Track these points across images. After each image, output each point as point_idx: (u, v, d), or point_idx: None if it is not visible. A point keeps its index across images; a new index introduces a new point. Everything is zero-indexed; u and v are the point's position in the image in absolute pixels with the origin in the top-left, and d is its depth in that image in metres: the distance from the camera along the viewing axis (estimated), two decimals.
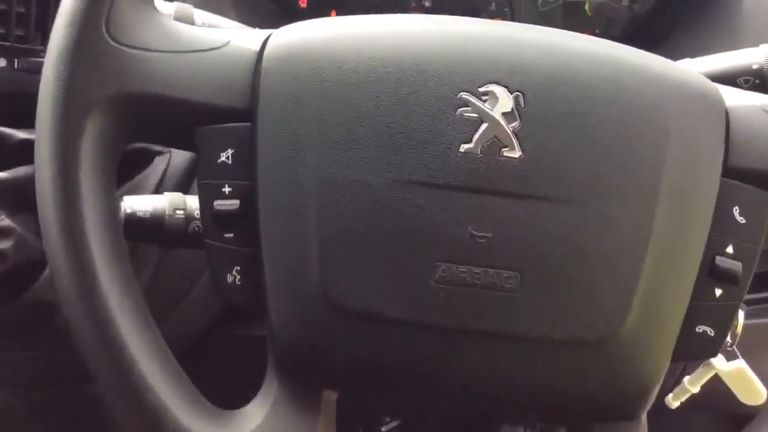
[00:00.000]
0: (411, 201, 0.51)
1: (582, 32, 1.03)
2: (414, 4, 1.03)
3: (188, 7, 0.67)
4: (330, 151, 0.51)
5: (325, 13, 1.04)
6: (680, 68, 0.57)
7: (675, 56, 0.94)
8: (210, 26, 0.68)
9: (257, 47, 0.55)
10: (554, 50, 0.53)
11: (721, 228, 0.53)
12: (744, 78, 0.67)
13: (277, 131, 0.52)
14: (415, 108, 0.51)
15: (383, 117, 0.51)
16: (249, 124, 0.53)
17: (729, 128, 0.54)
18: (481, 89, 0.51)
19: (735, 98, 0.56)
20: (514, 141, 0.51)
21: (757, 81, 0.67)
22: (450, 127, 0.51)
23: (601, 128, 0.51)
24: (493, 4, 1.03)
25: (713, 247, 0.53)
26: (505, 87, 0.51)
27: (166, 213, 0.61)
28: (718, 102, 0.55)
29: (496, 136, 0.51)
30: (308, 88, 0.52)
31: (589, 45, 0.55)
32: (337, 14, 1.03)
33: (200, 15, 0.68)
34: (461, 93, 0.51)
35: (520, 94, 0.51)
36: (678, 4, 0.99)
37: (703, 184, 0.53)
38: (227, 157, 0.53)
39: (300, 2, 1.03)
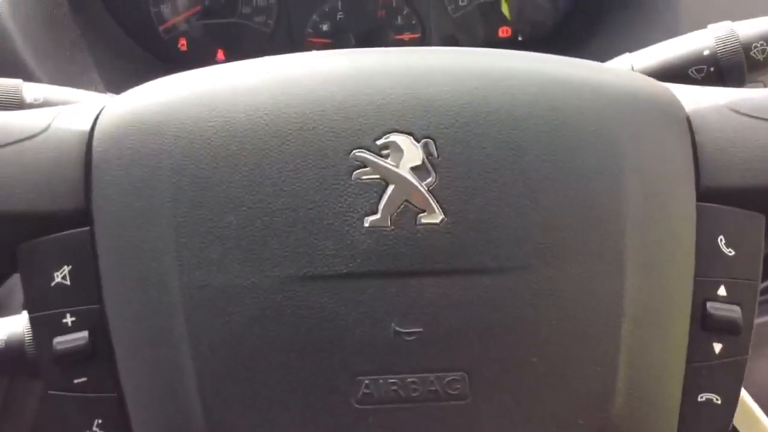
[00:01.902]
0: (311, 301, 0.38)
1: (501, 36, 0.96)
2: (311, 31, 0.91)
3: (13, 83, 0.53)
4: (194, 251, 0.38)
5: (210, 56, 0.91)
6: (623, 74, 0.46)
7: (610, 53, 0.85)
8: (45, 102, 0.55)
9: (87, 126, 0.42)
10: (465, 76, 0.42)
11: (707, 266, 0.42)
12: (696, 68, 0.56)
13: (121, 233, 0.39)
14: (297, 180, 0.39)
15: (258, 197, 0.39)
16: (87, 228, 0.40)
17: (695, 140, 0.43)
18: (380, 142, 0.39)
19: (694, 100, 0.45)
20: (432, 202, 0.39)
21: (712, 69, 0.56)
22: (347, 198, 0.39)
23: (539, 167, 0.40)
24: (400, 18, 0.92)
25: (702, 292, 0.42)
26: (409, 134, 0.39)
27: (25, 337, 0.47)
28: (675, 109, 0.44)
29: (407, 200, 0.39)
30: (153, 173, 0.39)
31: (507, 62, 0.44)
32: (226, 53, 0.91)
33: (33, 90, 0.55)
34: (354, 151, 0.39)
35: (430, 141, 0.39)
36: None
37: (675, 214, 0.42)
38: (64, 277, 0.40)
39: (179, 45, 0.91)
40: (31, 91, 0.54)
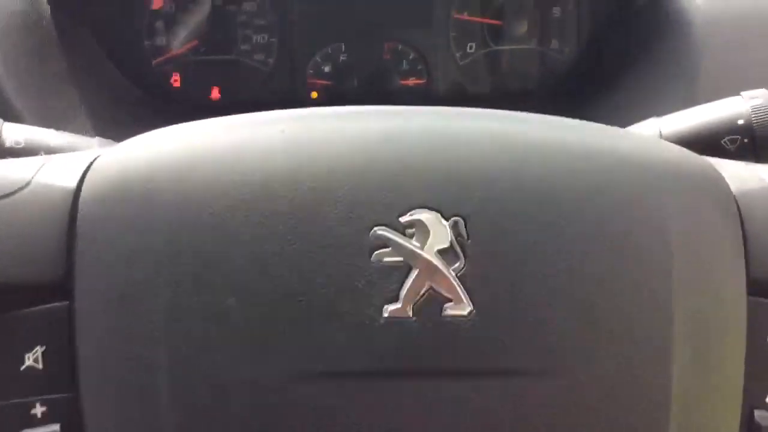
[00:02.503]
0: (318, 403, 0.33)
1: (509, 85, 0.93)
2: (312, 71, 0.87)
3: None
4: (188, 338, 0.34)
5: (204, 93, 0.87)
6: (664, 147, 0.42)
7: (625, 108, 0.82)
8: (27, 146, 0.50)
9: (73, 183, 0.37)
10: (498, 145, 0.38)
11: (755, 368, 0.38)
12: (729, 138, 0.53)
13: (105, 312, 0.34)
14: (309, 259, 0.34)
15: (263, 278, 0.34)
16: (66, 303, 0.35)
17: (744, 226, 0.39)
18: (404, 219, 0.35)
19: (740, 178, 0.41)
20: (460, 291, 0.34)
21: (746, 140, 0.53)
22: (365, 283, 0.34)
23: (581, 254, 0.36)
24: (405, 62, 0.88)
25: (749, 398, 0.38)
26: (437, 212, 0.35)
27: None
28: (722, 189, 0.40)
29: (432, 287, 0.34)
30: (145, 245, 0.35)
31: (541, 130, 0.40)
32: (221, 91, 0.87)
33: (13, 132, 0.50)
34: (376, 228, 0.35)
35: (460, 220, 0.35)
36: (615, 41, 0.86)
37: (726, 308, 0.38)
38: (36, 359, 0.35)
39: (172, 81, 0.86)
40: (11, 132, 0.50)
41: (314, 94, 0.88)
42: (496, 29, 0.88)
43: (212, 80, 0.87)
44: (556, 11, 0.88)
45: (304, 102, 0.87)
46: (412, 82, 0.88)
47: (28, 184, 0.37)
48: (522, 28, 0.87)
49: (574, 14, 0.88)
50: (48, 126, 0.68)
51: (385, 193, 0.35)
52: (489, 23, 0.88)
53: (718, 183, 0.40)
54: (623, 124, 0.80)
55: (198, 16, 0.85)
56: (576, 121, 0.43)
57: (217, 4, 0.85)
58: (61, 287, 0.35)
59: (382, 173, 0.35)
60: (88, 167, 0.38)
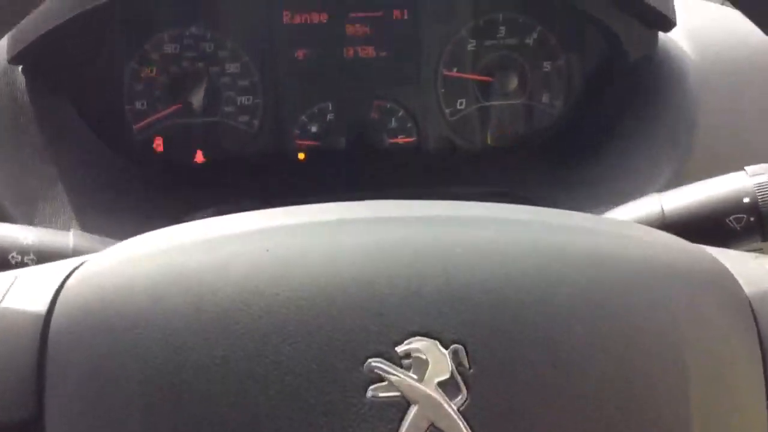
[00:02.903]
0: None
1: (499, 140, 0.91)
2: (299, 132, 0.85)
3: None
4: None
5: (187, 157, 0.84)
6: (676, 247, 0.40)
7: (619, 164, 0.80)
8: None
9: (43, 308, 0.35)
10: (497, 257, 0.35)
11: None
12: (735, 217, 0.51)
13: None
14: (297, 396, 0.32)
15: (247, 419, 0.31)
16: None
17: (760, 331, 0.37)
18: (400, 348, 0.32)
19: (753, 278, 0.39)
20: (464, 428, 0.32)
21: (752, 218, 0.51)
22: (359, 422, 0.31)
23: (594, 379, 0.33)
24: (394, 120, 0.86)
25: None
26: (436, 339, 0.33)
27: None
28: (735, 291, 0.38)
29: (433, 425, 0.32)
30: (122, 378, 0.32)
31: (542, 236, 0.38)
32: (205, 154, 0.85)
33: None
34: (370, 360, 0.32)
35: (460, 347, 0.33)
36: (608, 96, 0.84)
37: (745, 424, 0.36)
38: None
39: (154, 146, 0.83)
40: None
41: (301, 155, 0.85)
42: (485, 85, 0.86)
43: (196, 143, 0.85)
44: (546, 66, 0.86)
45: (291, 163, 0.85)
46: (401, 140, 0.86)
47: None
48: (512, 83, 0.85)
49: (565, 69, 0.86)
50: (23, 206, 0.66)
51: (378, 321, 0.32)
52: (478, 79, 0.86)
53: (730, 286, 0.38)
54: (617, 182, 0.78)
55: (180, 78, 0.83)
56: (575, 218, 0.41)
57: (200, 65, 0.83)
58: (34, 426, 0.33)
59: (374, 298, 0.33)
60: (60, 287, 0.36)
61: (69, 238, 0.49)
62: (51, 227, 0.66)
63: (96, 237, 0.51)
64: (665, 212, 0.53)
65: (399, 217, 0.38)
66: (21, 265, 0.47)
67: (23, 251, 0.47)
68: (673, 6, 0.74)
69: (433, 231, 0.37)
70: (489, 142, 0.87)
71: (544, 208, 0.42)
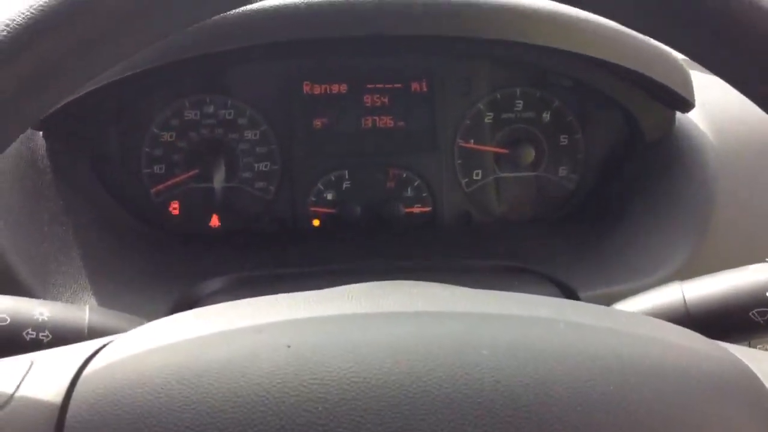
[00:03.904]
0: None
1: (516, 212, 0.91)
2: (315, 199, 0.85)
3: None
4: None
5: (204, 221, 0.84)
6: (704, 350, 0.39)
7: (635, 240, 0.79)
8: (12, 321, 0.47)
9: (59, 398, 0.34)
10: (518, 356, 0.34)
11: None
12: (759, 310, 0.50)
13: None
14: None
15: None
16: None
17: None
18: None
19: None
20: None
21: None
22: None
23: None
24: (410, 189, 0.86)
25: None
26: None
27: None
28: (763, 396, 0.37)
29: None
30: None
31: (565, 338, 0.37)
32: (221, 218, 0.85)
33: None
34: None
35: None
36: (626, 172, 0.84)
37: None
38: None
39: (171, 209, 0.84)
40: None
41: (316, 222, 0.85)
42: (502, 157, 0.87)
43: (212, 208, 0.85)
44: (563, 140, 0.87)
45: (306, 231, 0.85)
46: (417, 209, 0.86)
47: (9, 400, 0.34)
48: (528, 156, 0.86)
49: (581, 144, 0.87)
50: (37, 272, 0.66)
51: (405, 426, 0.32)
52: (495, 151, 0.86)
53: (757, 390, 0.37)
54: (633, 260, 0.78)
55: (199, 144, 0.84)
56: (599, 316, 0.40)
57: (219, 132, 0.84)
58: None
59: (402, 403, 0.32)
60: (77, 376, 0.35)
61: (85, 314, 0.49)
62: (65, 293, 0.66)
63: (112, 312, 0.51)
64: (687, 302, 0.52)
65: (432, 312, 0.38)
66: (35, 342, 0.46)
67: (38, 328, 0.47)
68: (692, 87, 0.75)
69: (459, 329, 0.36)
70: (504, 214, 0.87)
71: (566, 301, 0.42)
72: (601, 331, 0.38)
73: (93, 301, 0.66)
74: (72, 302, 0.64)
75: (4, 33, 0.33)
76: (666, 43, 0.39)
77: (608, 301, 0.70)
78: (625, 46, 0.74)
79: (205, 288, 0.71)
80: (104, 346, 0.38)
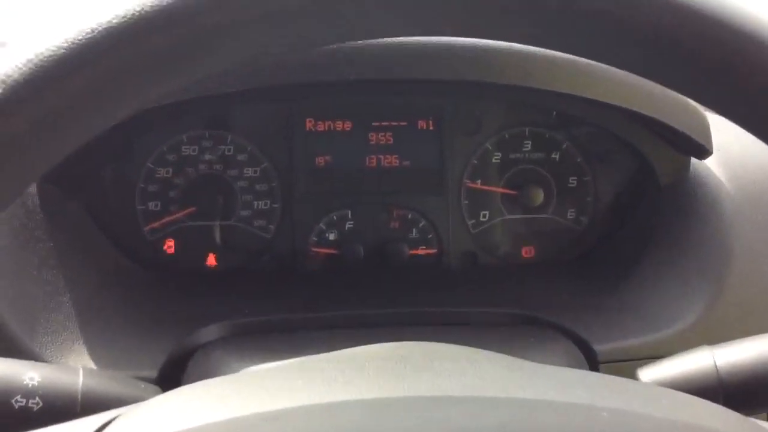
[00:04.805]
0: None
1: (523, 255, 0.89)
2: (316, 239, 0.82)
3: None
4: None
5: (199, 260, 0.81)
6: None
7: (646, 287, 0.76)
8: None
9: None
10: None
11: None
12: None
13: None
14: None
15: None
16: None
17: None
18: None
19: None
20: None
21: None
22: None
23: None
24: (415, 231, 0.83)
25: None
26: None
27: None
28: None
29: None
30: None
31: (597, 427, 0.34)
32: (217, 258, 0.81)
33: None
34: None
35: None
36: (637, 216, 0.82)
37: None
38: None
39: (165, 248, 0.80)
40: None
41: (316, 263, 0.82)
42: (510, 198, 0.84)
43: (208, 247, 0.82)
44: (573, 181, 0.84)
45: (306, 271, 0.82)
46: (422, 251, 0.83)
47: None
48: (537, 197, 0.83)
49: (591, 185, 0.84)
50: (25, 320, 0.62)
51: None
52: (503, 192, 0.84)
53: None
54: (647, 310, 0.75)
55: (196, 180, 0.81)
56: (630, 397, 0.37)
57: (218, 168, 0.81)
58: None
59: None
60: None
61: (78, 377, 0.45)
62: (54, 342, 0.62)
63: (106, 375, 0.47)
64: (719, 369, 0.49)
65: (465, 398, 0.35)
66: (24, 410, 0.43)
67: (28, 394, 0.43)
68: (710, 134, 0.73)
69: (496, 421, 0.33)
70: (511, 256, 0.85)
71: (600, 378, 0.39)
72: (646, 420, 0.35)
73: (83, 350, 0.62)
74: (61, 352, 0.61)
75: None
76: (670, 87, 0.37)
77: (625, 354, 0.68)
78: (642, 91, 0.72)
79: (201, 336, 0.67)
80: (105, 425, 0.34)
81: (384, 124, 0.82)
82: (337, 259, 0.82)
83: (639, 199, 0.82)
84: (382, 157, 0.83)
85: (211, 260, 0.82)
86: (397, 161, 0.83)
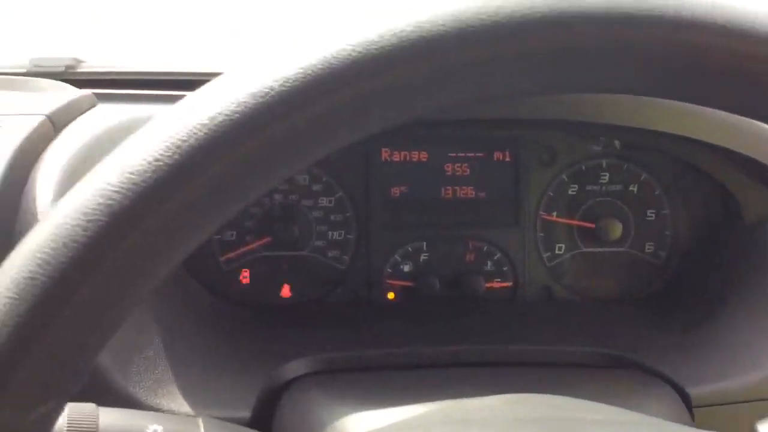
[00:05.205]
0: None
1: (599, 289, 0.87)
2: (390, 271, 0.81)
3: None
4: None
5: (274, 290, 0.80)
6: None
7: (728, 328, 0.75)
8: None
9: None
10: None
11: None
12: None
13: None
14: None
15: None
16: None
17: None
18: None
19: None
20: None
21: None
22: None
23: None
24: (490, 263, 0.82)
25: None
26: None
27: None
28: None
29: None
30: None
31: None
32: (292, 288, 0.81)
33: (110, 416, 0.43)
34: None
35: None
36: (719, 254, 0.80)
37: None
38: None
39: (241, 278, 0.80)
40: (108, 417, 0.43)
41: (391, 295, 0.82)
42: (586, 230, 0.83)
43: (283, 277, 0.81)
44: (651, 214, 0.83)
45: (380, 304, 0.81)
46: (497, 284, 0.82)
47: None
48: (614, 231, 0.82)
49: (670, 218, 0.83)
50: (120, 362, 0.62)
51: None
52: (579, 225, 0.83)
53: None
54: (740, 349, 0.73)
55: (270, 209, 0.80)
56: None
57: (293, 198, 0.81)
58: None
59: None
60: None
61: (199, 428, 0.45)
62: (148, 380, 0.62)
63: (225, 424, 0.47)
64: None
65: None
66: None
67: None
68: None
69: None
70: (587, 290, 0.83)
71: None
72: None
73: (175, 391, 0.61)
74: (154, 394, 0.60)
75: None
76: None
77: (722, 398, 0.66)
78: (728, 125, 0.71)
79: (289, 371, 0.67)
80: None
81: (460, 155, 0.82)
82: (411, 292, 0.81)
83: (721, 236, 0.81)
84: (458, 188, 0.82)
85: (285, 291, 0.81)
86: (473, 192, 0.82)
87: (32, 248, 0.29)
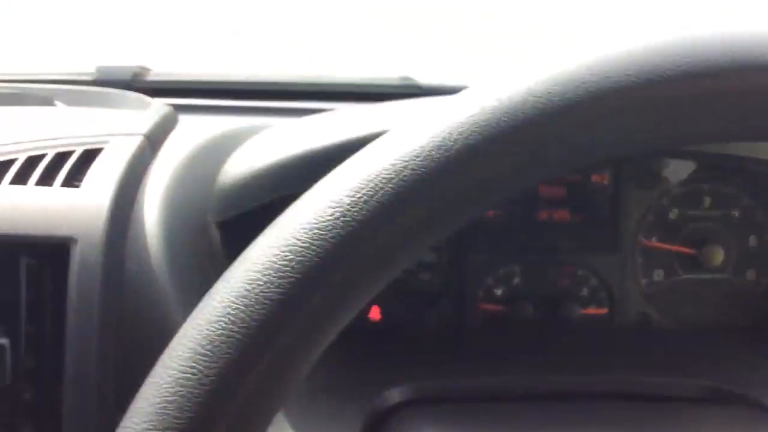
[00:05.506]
0: None
1: (699, 317, 0.84)
2: (483, 294, 0.79)
3: None
4: None
5: (364, 312, 0.79)
6: None
7: None
8: None
9: None
10: None
11: None
12: None
13: None
14: None
15: None
16: None
17: None
18: None
19: None
20: None
21: None
22: None
23: None
24: (585, 289, 0.80)
25: None
26: None
27: None
28: None
29: None
30: None
31: None
32: (382, 311, 0.80)
33: None
34: None
35: None
36: None
37: None
38: None
39: None
40: None
41: (483, 320, 0.80)
42: (686, 256, 0.80)
43: (373, 299, 0.79)
44: (753, 240, 0.80)
45: (472, 329, 0.79)
46: (593, 311, 0.80)
47: None
48: (717, 257, 0.79)
49: None
50: None
51: None
52: (680, 251, 0.80)
53: None
54: None
55: None
56: None
57: None
58: None
59: None
60: None
61: None
62: None
63: None
64: None
65: None
66: None
67: None
68: None
69: None
70: (687, 319, 0.81)
71: None
72: None
73: (283, 420, 0.60)
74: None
75: None
76: None
77: None
78: None
79: (389, 398, 0.65)
80: None
81: (557, 177, 0.80)
82: (505, 317, 0.79)
83: None
84: (553, 211, 0.80)
85: (374, 313, 0.80)
86: (569, 216, 0.80)
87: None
